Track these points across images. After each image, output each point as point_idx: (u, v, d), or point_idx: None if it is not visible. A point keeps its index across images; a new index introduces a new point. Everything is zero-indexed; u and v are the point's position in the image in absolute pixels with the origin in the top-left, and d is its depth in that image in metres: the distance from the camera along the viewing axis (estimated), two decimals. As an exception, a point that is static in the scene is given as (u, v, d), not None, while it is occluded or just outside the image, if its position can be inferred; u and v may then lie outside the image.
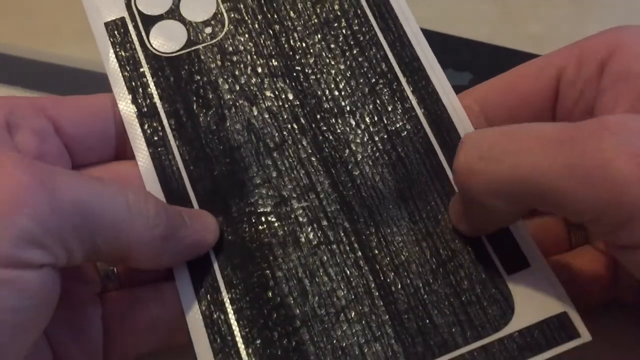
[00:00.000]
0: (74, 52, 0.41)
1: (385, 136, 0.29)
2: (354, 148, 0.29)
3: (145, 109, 0.30)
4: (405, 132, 0.29)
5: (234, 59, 0.31)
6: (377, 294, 0.27)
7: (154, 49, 0.31)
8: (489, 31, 0.36)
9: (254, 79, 0.30)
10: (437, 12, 0.44)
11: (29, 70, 0.40)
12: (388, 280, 0.27)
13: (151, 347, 0.28)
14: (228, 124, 0.30)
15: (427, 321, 0.26)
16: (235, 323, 0.27)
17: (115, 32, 0.31)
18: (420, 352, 0.26)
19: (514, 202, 0.23)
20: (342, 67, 0.31)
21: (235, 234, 0.28)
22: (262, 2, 0.32)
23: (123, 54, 0.31)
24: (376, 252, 0.28)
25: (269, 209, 0.28)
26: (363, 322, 0.26)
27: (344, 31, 0.31)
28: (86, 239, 0.24)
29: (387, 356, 0.26)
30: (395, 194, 0.29)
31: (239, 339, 0.26)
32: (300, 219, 0.28)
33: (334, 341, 0.26)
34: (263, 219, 0.28)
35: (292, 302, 0.27)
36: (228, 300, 0.27)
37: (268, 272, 0.27)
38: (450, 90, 0.30)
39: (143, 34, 0.31)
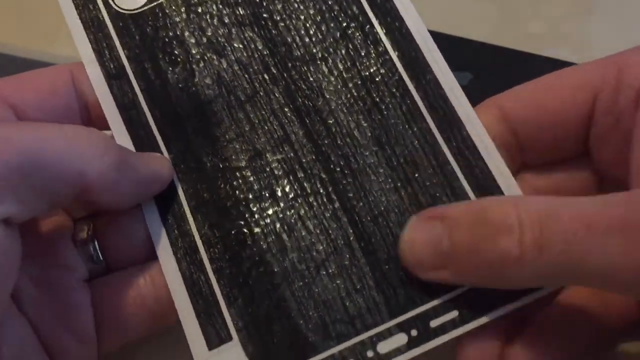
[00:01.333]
0: (74, 52, 0.41)
1: (359, 82, 0.29)
2: (327, 96, 0.29)
3: (114, 71, 0.29)
4: (380, 77, 0.29)
5: (199, 10, 0.30)
6: (356, 245, 0.27)
7: (117, 6, 0.30)
8: (489, 31, 0.36)
9: (221, 30, 0.30)
10: (436, 12, 0.44)
11: (29, 70, 0.40)
12: (367, 230, 0.27)
13: (144, 330, 0.28)
14: (197, 79, 0.29)
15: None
16: (216, 283, 0.27)
17: None
18: (402, 302, 0.26)
19: (552, 284, 0.24)
20: (311, 11, 0.30)
21: (210, 192, 0.28)
22: None
23: (87, 14, 0.30)
24: (354, 202, 0.27)
25: (243, 164, 0.28)
26: (344, 274, 0.26)
27: None
28: (37, 185, 0.24)
29: (369, 307, 0.26)
30: (371, 141, 0.28)
31: (220, 299, 0.26)
32: (276, 172, 0.28)
33: (316, 295, 0.26)
34: (238, 174, 0.28)
35: (271, 258, 0.27)
36: (207, 260, 0.27)
37: (245, 229, 0.27)
38: (424, 30, 0.30)
39: None
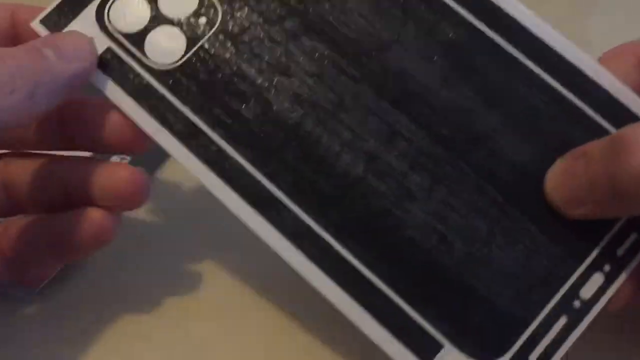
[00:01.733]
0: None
1: (443, 51, 0.27)
2: (416, 76, 0.27)
3: (187, 131, 0.27)
4: (462, 39, 0.27)
5: (246, 38, 0.28)
6: (511, 210, 0.26)
7: (158, 65, 0.28)
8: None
9: (278, 49, 0.28)
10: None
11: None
12: (516, 191, 0.26)
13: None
14: (275, 107, 0.27)
15: None
16: (395, 295, 0.26)
17: (110, 68, 0.28)
18: (582, 245, 0.26)
19: None
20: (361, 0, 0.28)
21: (347, 214, 0.26)
22: None
23: (130, 85, 0.28)
24: (491, 168, 0.26)
25: (361, 173, 0.27)
26: (514, 241, 0.26)
27: None
28: None
29: (555, 262, 0.26)
30: (481, 105, 0.27)
31: (412, 313, 0.26)
32: (401, 169, 0.27)
33: (499, 272, 0.26)
34: (363, 185, 0.27)
35: (438, 254, 0.26)
36: (378, 280, 0.26)
37: (404, 234, 0.26)
38: None
39: (139, 55, 0.28)
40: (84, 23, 0.28)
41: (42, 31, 0.28)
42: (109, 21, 0.28)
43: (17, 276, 0.30)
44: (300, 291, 0.27)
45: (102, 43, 0.28)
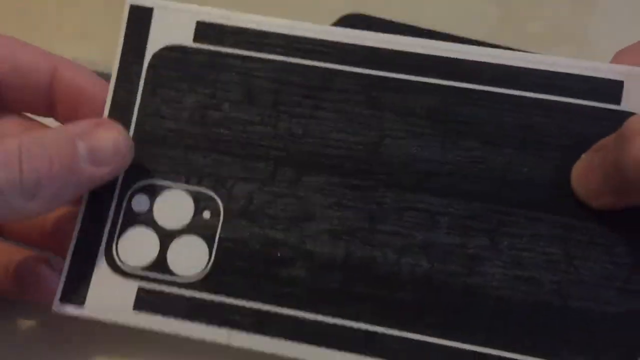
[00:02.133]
0: (74, 52, 0.41)
1: (425, 121, 0.28)
2: (417, 156, 0.28)
3: (256, 321, 0.27)
4: (435, 104, 0.28)
5: (254, 208, 0.28)
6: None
7: (193, 277, 0.28)
8: (489, 31, 0.36)
9: (289, 201, 0.28)
10: (436, 12, 0.44)
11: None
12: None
13: None
14: (319, 253, 0.27)
15: None
16: None
17: (150, 304, 0.28)
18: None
19: None
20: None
21: (442, 310, 0.27)
22: None
23: (180, 310, 0.28)
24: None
25: (427, 265, 0.27)
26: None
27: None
28: None
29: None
30: (487, 149, 0.27)
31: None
32: (458, 242, 0.27)
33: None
34: (436, 275, 0.27)
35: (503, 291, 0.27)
36: None
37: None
38: None
39: (170, 278, 0.28)
40: (102, 278, 0.28)
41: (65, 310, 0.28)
42: (123, 263, 0.28)
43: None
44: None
45: (131, 287, 0.28)
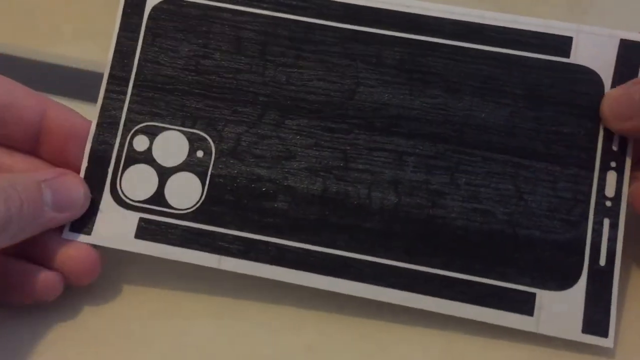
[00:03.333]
0: (74, 52, 0.41)
1: (395, 71, 0.30)
2: (388, 102, 0.30)
3: (243, 248, 0.30)
4: (402, 56, 0.31)
5: (242, 148, 0.31)
6: None
7: (188, 209, 0.30)
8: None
9: (272, 142, 0.31)
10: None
11: (29, 70, 0.40)
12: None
13: None
14: (299, 188, 0.30)
15: None
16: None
17: (149, 233, 0.30)
18: None
19: None
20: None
21: (409, 237, 0.30)
22: None
23: (175, 238, 0.30)
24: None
25: (395, 199, 0.30)
26: None
27: None
28: None
29: None
30: (450, 96, 0.30)
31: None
32: (423, 178, 0.30)
33: None
34: (403, 208, 0.30)
35: None
36: None
37: None
38: None
39: (169, 210, 0.31)
40: (107, 210, 0.31)
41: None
42: (126, 197, 0.31)
43: None
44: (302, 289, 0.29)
45: (133, 218, 0.30)
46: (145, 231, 0.30)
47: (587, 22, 0.37)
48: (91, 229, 0.30)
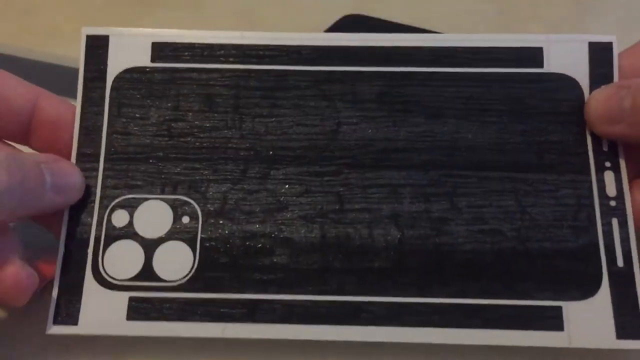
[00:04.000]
0: (74, 52, 0.41)
1: (375, 105, 0.30)
2: (373, 137, 0.30)
3: (247, 311, 0.28)
4: (380, 89, 0.31)
5: (230, 206, 0.29)
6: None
7: (181, 279, 0.29)
8: (489, 31, 0.36)
9: (261, 195, 0.29)
10: (436, 12, 0.44)
11: (29, 70, 0.40)
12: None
13: None
14: (297, 239, 0.29)
15: None
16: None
17: (143, 312, 0.28)
18: None
19: None
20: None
21: (421, 270, 0.29)
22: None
23: (172, 313, 0.28)
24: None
25: (398, 234, 0.29)
26: None
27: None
28: None
29: None
30: (434, 121, 0.30)
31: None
32: (422, 208, 0.29)
33: None
34: (407, 241, 0.29)
35: None
36: None
37: None
38: None
39: (160, 284, 0.29)
40: (92, 294, 0.28)
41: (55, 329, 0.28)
42: (111, 277, 0.29)
43: None
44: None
45: (122, 299, 0.28)
46: (137, 311, 0.28)
47: (589, 22, 0.37)
48: (77, 318, 0.28)
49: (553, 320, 0.27)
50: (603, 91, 0.30)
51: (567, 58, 0.30)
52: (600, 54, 0.30)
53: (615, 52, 0.30)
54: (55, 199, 0.28)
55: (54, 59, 0.40)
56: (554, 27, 0.33)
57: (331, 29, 0.43)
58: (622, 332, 0.27)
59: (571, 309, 0.28)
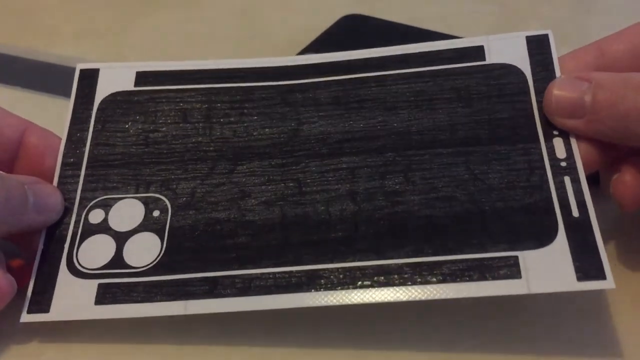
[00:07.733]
0: (74, 52, 0.41)
1: (331, 106, 0.33)
2: (331, 130, 0.32)
3: (209, 287, 0.29)
4: (337, 93, 0.33)
5: (197, 199, 0.31)
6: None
7: (149, 264, 0.30)
8: (489, 31, 0.36)
9: (226, 187, 0.31)
10: (436, 12, 0.44)
11: (29, 70, 0.40)
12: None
13: None
14: (259, 220, 0.30)
15: None
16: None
17: (112, 296, 0.29)
18: None
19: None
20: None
21: (378, 237, 0.29)
22: None
23: (139, 295, 0.29)
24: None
25: (353, 207, 0.30)
26: None
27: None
28: None
29: None
30: (387, 113, 0.32)
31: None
32: (379, 184, 0.30)
33: None
34: (365, 213, 0.30)
35: None
36: None
37: None
38: None
39: (128, 271, 0.29)
40: (64, 284, 0.29)
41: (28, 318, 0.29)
42: (83, 267, 0.30)
43: None
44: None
45: (91, 286, 0.29)
46: (105, 296, 0.29)
47: (590, 22, 0.37)
48: (49, 307, 0.29)
49: (509, 269, 0.28)
50: (563, 83, 0.30)
51: (507, 51, 0.32)
52: (538, 45, 0.32)
53: (552, 41, 0.32)
54: (36, 218, 0.30)
55: (54, 59, 0.40)
56: (553, 27, 0.33)
57: (331, 29, 0.44)
58: (583, 275, 0.28)
59: (528, 258, 0.28)
